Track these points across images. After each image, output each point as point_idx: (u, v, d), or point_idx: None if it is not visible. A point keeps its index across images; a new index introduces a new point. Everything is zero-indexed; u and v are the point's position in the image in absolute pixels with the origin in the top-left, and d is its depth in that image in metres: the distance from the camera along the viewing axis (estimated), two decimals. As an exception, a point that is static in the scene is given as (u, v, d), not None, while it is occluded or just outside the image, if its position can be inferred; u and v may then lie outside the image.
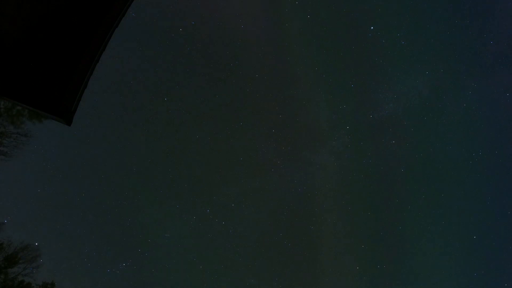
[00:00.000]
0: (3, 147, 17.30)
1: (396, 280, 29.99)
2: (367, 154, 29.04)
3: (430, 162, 29.19)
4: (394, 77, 27.74)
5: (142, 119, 27.53)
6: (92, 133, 27.02)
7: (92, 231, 27.55)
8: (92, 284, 27.14)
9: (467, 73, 27.28)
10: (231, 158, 28.94)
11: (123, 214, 27.65)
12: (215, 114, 28.27)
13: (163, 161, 28.50)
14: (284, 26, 26.91)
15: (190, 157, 28.70)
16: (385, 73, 27.52)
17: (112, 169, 27.80)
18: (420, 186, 29.68)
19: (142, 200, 28.13)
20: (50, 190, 26.88)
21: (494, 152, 28.25)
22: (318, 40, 27.49)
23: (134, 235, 27.90)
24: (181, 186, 28.83)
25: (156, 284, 27.93)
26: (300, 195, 29.50)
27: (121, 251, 27.73)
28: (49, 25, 4.48)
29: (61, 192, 27.13)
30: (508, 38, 26.09)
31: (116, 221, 27.71)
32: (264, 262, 29.65)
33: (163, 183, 28.54)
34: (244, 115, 28.46)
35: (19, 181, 25.72)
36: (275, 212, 29.77)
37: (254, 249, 29.56)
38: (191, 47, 26.69)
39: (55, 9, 4.49)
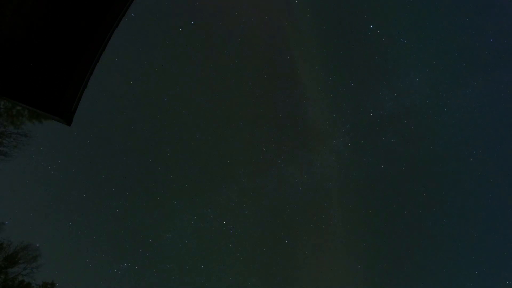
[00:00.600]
0: (3, 147, 17.32)
1: (397, 278, 30.02)
2: (367, 153, 29.04)
3: (430, 160, 29.18)
4: (394, 76, 27.73)
5: (142, 119, 27.54)
6: (92, 133, 27.04)
7: (93, 232, 27.59)
8: (94, 285, 27.19)
9: (467, 71, 27.27)
10: (231, 158, 28.96)
11: (124, 215, 27.69)
12: (215, 114, 28.28)
13: (164, 161, 28.53)
14: (283, 25, 26.90)
15: (191, 157, 28.72)
16: (385, 72, 27.50)
17: (112, 169, 27.82)
18: (421, 184, 29.67)
19: (143, 201, 28.16)
20: (50, 190, 26.92)
21: (494, 149, 28.24)
22: (318, 39, 27.49)
23: (135, 236, 27.93)
24: (181, 186, 28.87)
25: (157, 284, 27.96)
26: (300, 194, 29.51)
27: (122, 252, 27.77)
28: (49, 25, 4.48)
29: (62, 193, 27.16)
30: (508, 36, 26.06)
31: (117, 222, 27.76)
32: (265, 261, 29.69)
33: (164, 183, 28.58)
34: (244, 115, 28.47)
35: (20, 182, 25.73)
36: (276, 211, 29.79)
37: (255, 248, 29.59)
38: (190, 47, 26.70)
39: (55, 10, 4.49)
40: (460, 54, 27.01)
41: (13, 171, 24.04)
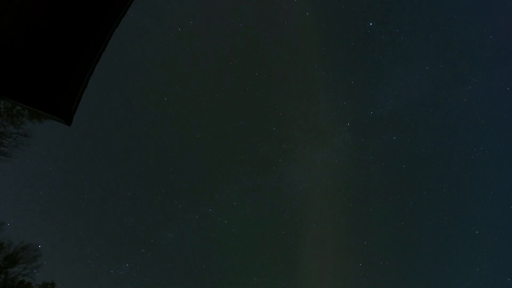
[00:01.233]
0: (3, 147, 17.33)
1: (398, 276, 30.01)
2: (368, 151, 29.07)
3: (431, 158, 29.19)
4: (394, 73, 27.74)
5: (142, 119, 27.54)
6: (92, 133, 27.06)
7: (95, 232, 27.62)
8: (96, 285, 27.23)
9: (467, 68, 27.27)
10: (232, 157, 28.98)
11: (125, 215, 27.71)
12: (216, 113, 28.28)
13: (164, 161, 28.53)
14: (283, 24, 26.88)
15: (191, 156, 28.72)
16: (385, 69, 27.51)
17: (113, 170, 27.83)
18: (422, 182, 29.69)
19: (144, 201, 28.17)
20: (51, 191, 26.95)
21: (495, 146, 28.24)
22: (317, 37, 27.48)
23: (136, 236, 27.97)
24: (182, 185, 28.88)
25: (159, 284, 27.99)
26: (301, 193, 29.53)
27: (124, 252, 27.81)
28: (49, 25, 4.48)
29: (63, 193, 27.18)
30: (507, 33, 26.03)
31: (119, 222, 27.78)
32: (267, 260, 29.70)
33: (165, 183, 28.59)
34: (245, 114, 28.46)
35: (20, 182, 25.76)
36: (277, 210, 29.81)
37: (257, 247, 29.61)
38: (190, 47, 26.69)
39: (55, 9, 4.48)
40: (460, 51, 27.02)
41: (13, 171, 24.08)
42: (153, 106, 27.40)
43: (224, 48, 27.11)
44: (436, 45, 26.90)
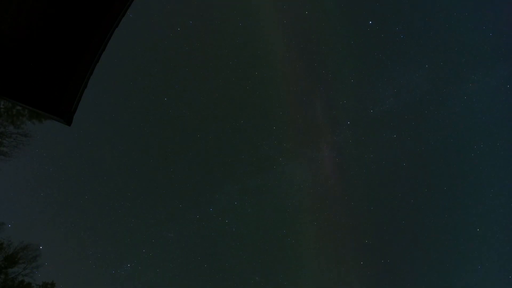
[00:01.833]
0: (3, 147, 17.34)
1: (400, 274, 30.02)
2: (368, 149, 29.05)
3: (431, 156, 29.19)
4: (394, 71, 27.72)
5: (142, 119, 27.54)
6: (92, 133, 27.07)
7: (96, 233, 27.63)
8: (98, 286, 27.24)
9: (467, 66, 27.24)
10: (232, 156, 28.98)
11: (126, 215, 27.72)
12: (216, 113, 28.28)
13: (165, 161, 28.54)
14: (282, 23, 26.88)
15: (192, 156, 28.73)
16: (385, 67, 27.50)
17: (113, 170, 27.84)
18: (422, 180, 29.68)
19: (145, 201, 28.18)
20: (52, 191, 26.95)
21: (496, 144, 28.23)
22: (316, 36, 27.46)
23: (138, 236, 27.97)
24: (183, 185, 28.88)
25: (161, 284, 28.01)
26: (302, 191, 29.54)
27: (125, 252, 27.81)
28: (49, 25, 4.48)
29: (64, 194, 27.19)
30: (507, 30, 26.01)
31: (120, 222, 27.78)
32: (268, 259, 29.71)
33: (166, 183, 28.59)
34: (245, 113, 28.46)
35: (21, 182, 25.77)
36: (278, 209, 29.81)
37: (258, 246, 29.62)
38: (189, 46, 26.68)
39: (55, 9, 4.48)
40: (460, 49, 26.99)
41: (14, 172, 24.09)
42: (153, 106, 27.42)
43: (224, 47, 27.12)
44: (436, 43, 26.90)
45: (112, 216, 27.55)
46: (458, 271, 29.34)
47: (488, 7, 26.35)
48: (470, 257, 29.23)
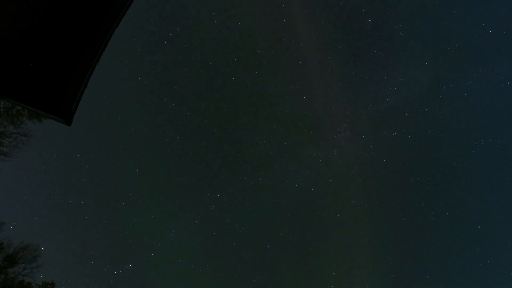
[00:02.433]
0: (3, 147, 17.35)
1: (401, 272, 30.04)
2: (369, 147, 29.06)
3: (432, 153, 29.18)
4: (394, 69, 27.71)
5: (143, 119, 27.54)
6: (92, 133, 27.09)
7: (97, 233, 27.66)
8: (100, 286, 27.27)
9: (466, 63, 27.22)
10: (233, 156, 28.98)
11: (127, 216, 27.75)
12: (216, 112, 28.27)
13: (165, 160, 28.55)
14: (282, 22, 26.85)
15: (192, 156, 28.73)
16: (385, 65, 27.48)
17: (114, 170, 27.85)
18: (423, 178, 29.69)
19: (146, 201, 28.21)
20: (52, 192, 26.98)
21: (496, 141, 28.22)
22: (316, 34, 27.44)
23: (139, 236, 28.00)
24: (184, 185, 28.91)
25: (162, 284, 28.04)
26: (303, 190, 29.56)
27: (126, 252, 27.84)
28: (49, 25, 4.48)
29: (64, 194, 27.21)
30: (507, 27, 25.98)
31: (121, 222, 27.82)
32: (270, 258, 29.73)
33: (166, 183, 28.62)
34: (245, 112, 28.46)
35: (21, 183, 25.79)
36: (279, 208, 29.83)
37: (260, 245, 29.64)
38: (189, 46, 26.67)
39: (55, 9, 4.48)
40: (460, 46, 26.97)
41: (14, 172, 24.10)
42: (153, 106, 27.42)
43: (224, 47, 27.10)
44: (435, 40, 26.88)
45: (113, 216, 27.59)
46: (459, 268, 29.36)
47: (488, 4, 26.34)
48: (471, 254, 29.26)
